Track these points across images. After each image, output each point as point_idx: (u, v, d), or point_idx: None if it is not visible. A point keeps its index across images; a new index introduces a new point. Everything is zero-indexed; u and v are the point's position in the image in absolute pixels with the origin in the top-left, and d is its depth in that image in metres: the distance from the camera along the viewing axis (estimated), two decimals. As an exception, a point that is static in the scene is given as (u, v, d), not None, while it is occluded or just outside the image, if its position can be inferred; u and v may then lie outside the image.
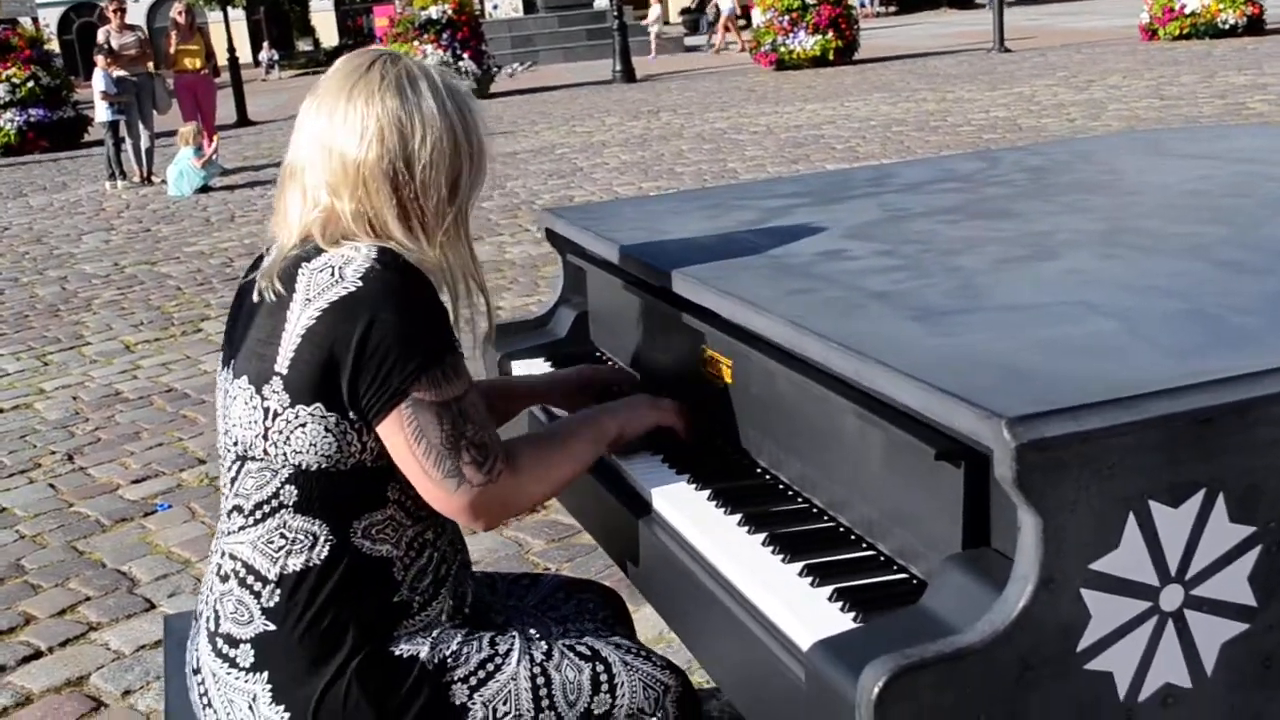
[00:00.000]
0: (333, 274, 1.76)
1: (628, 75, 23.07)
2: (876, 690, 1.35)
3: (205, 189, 13.08)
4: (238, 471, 1.85)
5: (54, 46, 23.61)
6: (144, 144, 14.42)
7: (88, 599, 3.94)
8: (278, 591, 1.81)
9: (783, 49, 22.59)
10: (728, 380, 2.08)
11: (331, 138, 1.81)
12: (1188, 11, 21.72)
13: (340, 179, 1.80)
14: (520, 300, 7.18)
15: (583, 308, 2.80)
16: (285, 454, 1.78)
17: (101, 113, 14.22)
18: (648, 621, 3.10)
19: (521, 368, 2.70)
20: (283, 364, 1.76)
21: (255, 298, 1.85)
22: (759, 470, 2.01)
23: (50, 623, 3.82)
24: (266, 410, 1.78)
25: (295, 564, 1.80)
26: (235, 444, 1.84)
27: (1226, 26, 21.48)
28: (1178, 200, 2.54)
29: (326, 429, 1.75)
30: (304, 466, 1.77)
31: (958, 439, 1.51)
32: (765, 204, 2.75)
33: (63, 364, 6.79)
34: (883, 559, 1.71)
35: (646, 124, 16.04)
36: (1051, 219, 2.41)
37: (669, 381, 2.34)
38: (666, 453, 2.10)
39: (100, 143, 15.30)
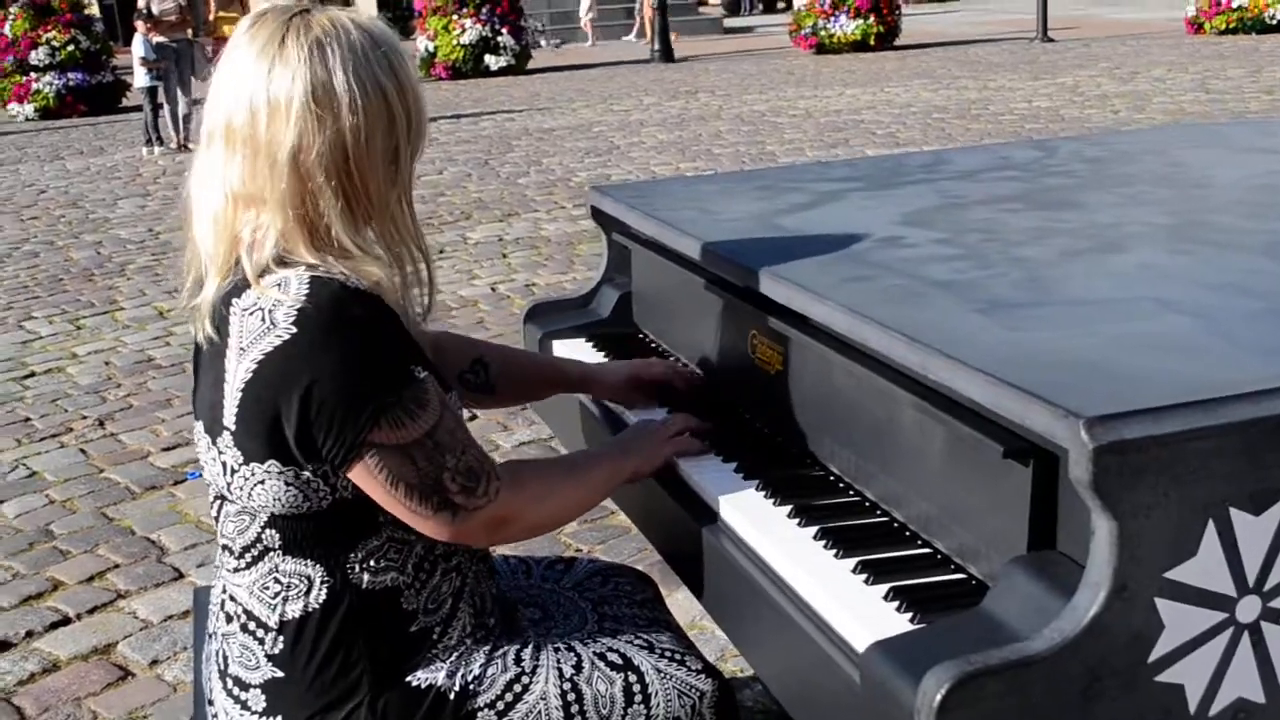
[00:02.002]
0: (263, 319, 1.59)
1: (666, 55, 22.97)
2: (939, 697, 1.30)
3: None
4: (219, 510, 1.74)
5: (94, 10, 23.62)
6: (182, 110, 14.42)
7: (116, 566, 3.92)
8: (280, 639, 1.71)
9: (823, 32, 22.44)
10: (778, 368, 2.02)
11: (253, 135, 1.61)
12: (1235, 5, 21.46)
13: (270, 186, 1.61)
14: (554, 278, 7.13)
15: (627, 288, 2.75)
16: (254, 506, 1.66)
17: (140, 78, 14.22)
18: (680, 606, 3.05)
19: (563, 347, 2.65)
20: (229, 418, 1.63)
21: (202, 340, 1.69)
22: (809, 461, 1.95)
23: (79, 589, 3.79)
24: (224, 465, 1.66)
25: (294, 610, 1.69)
26: (210, 484, 1.73)
27: (1274, 22, 21.21)
28: (1249, 195, 2.46)
29: (286, 483, 1.62)
30: (276, 513, 1.66)
31: (1027, 437, 1.45)
32: (817, 187, 2.69)
33: (95, 329, 6.78)
34: (940, 557, 1.65)
35: (684, 104, 15.95)
36: (1117, 211, 2.34)
37: (715, 367, 2.29)
38: (714, 440, 2.04)
39: (138, 108, 15.31)
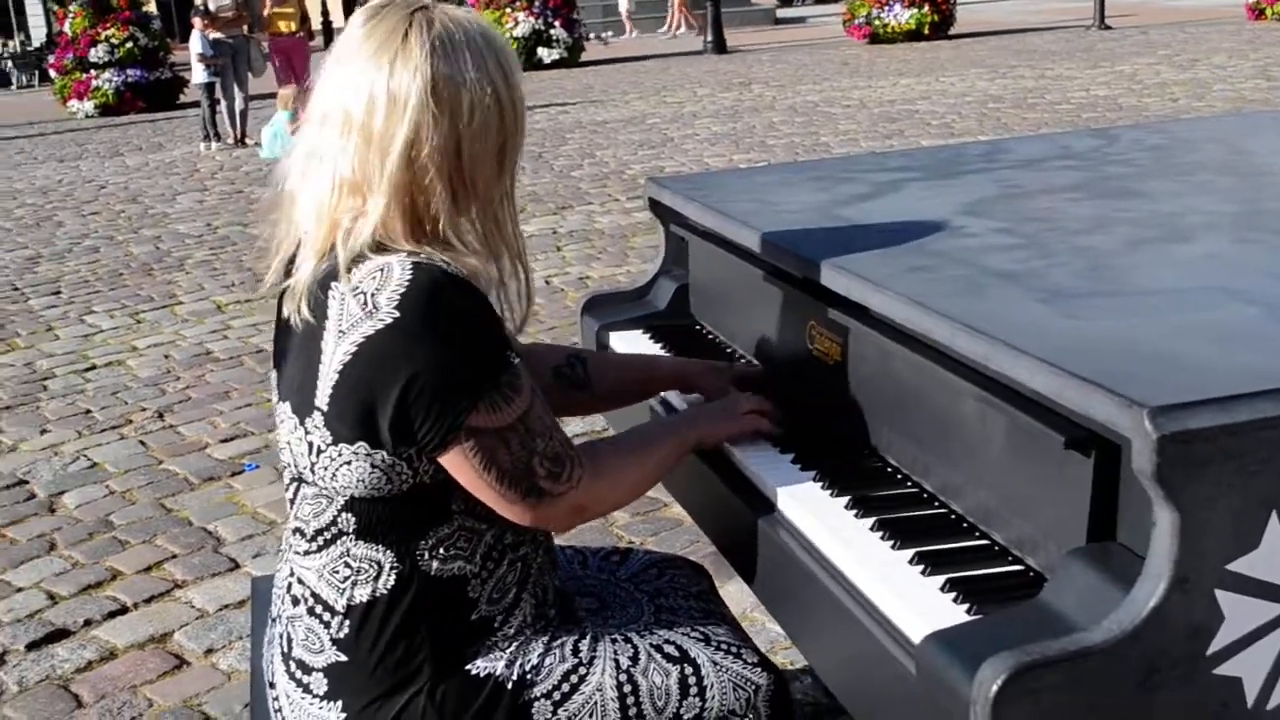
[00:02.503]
0: (364, 303, 1.61)
1: (719, 46, 22.93)
2: (996, 688, 1.29)
3: (298, 151, 13.14)
4: (295, 492, 1.76)
5: (152, 8, 23.86)
6: (238, 106, 14.56)
7: (174, 556, 3.96)
8: (346, 623, 1.72)
9: (877, 22, 22.33)
10: (837, 359, 2.02)
11: (367, 125, 1.63)
12: (1298, -9, 21.18)
13: (379, 177, 1.63)
14: (609, 270, 7.14)
15: (684, 280, 2.75)
16: (335, 487, 1.69)
17: (198, 75, 14.36)
18: (731, 598, 3.05)
19: (619, 339, 2.66)
20: (322, 399, 1.65)
21: (290, 317, 1.71)
22: (867, 453, 1.95)
23: (136, 579, 3.84)
24: (310, 444, 1.68)
25: (362, 595, 1.71)
26: (290, 465, 1.76)
27: (1338, 8, 20.92)
28: (1316, 184, 2.43)
29: (373, 465, 1.65)
30: (358, 495, 1.68)
31: (1089, 427, 1.44)
32: (875, 178, 2.68)
33: (155, 322, 6.85)
34: (997, 549, 1.64)
35: (738, 96, 15.92)
36: (1180, 200, 2.32)
37: (773, 358, 2.29)
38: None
39: (196, 104, 15.47)
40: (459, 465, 1.65)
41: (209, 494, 4.44)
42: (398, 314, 1.60)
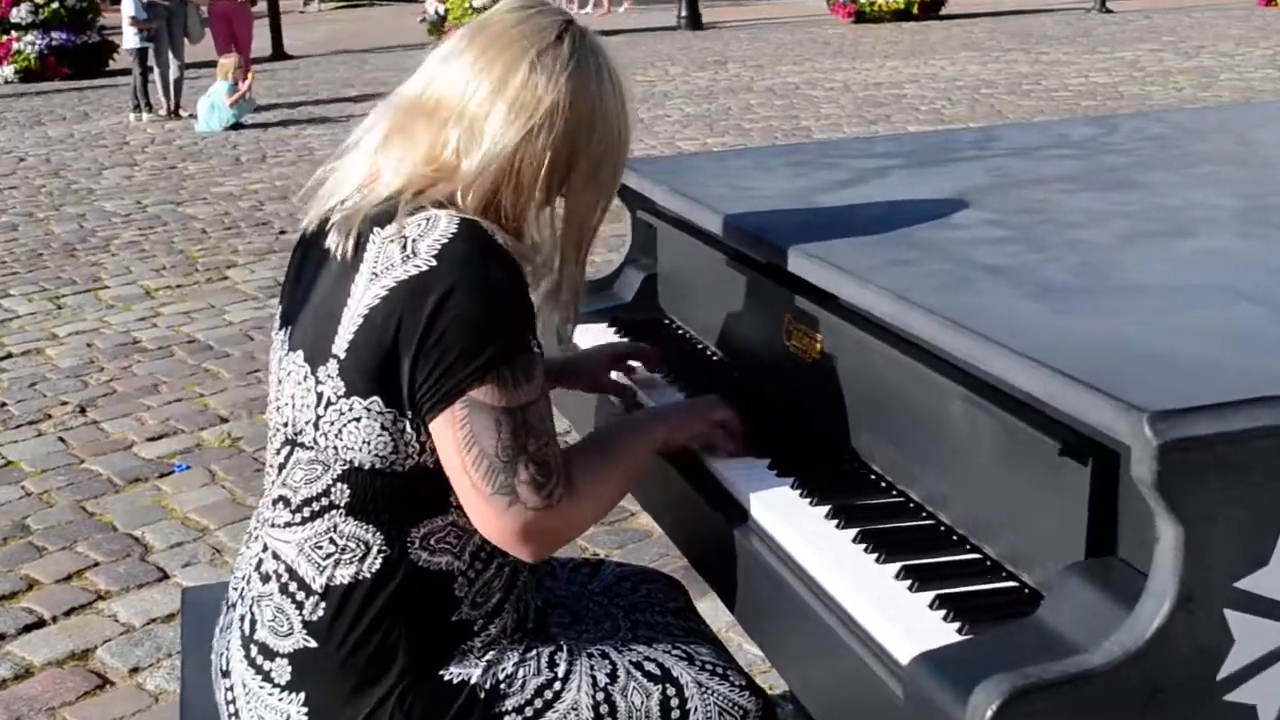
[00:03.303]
0: (404, 248, 1.67)
1: (694, 22, 22.96)
2: (990, 713, 1.29)
3: (236, 126, 13.11)
4: (287, 457, 1.77)
5: (79, -33, 23.69)
6: (173, 74, 14.46)
7: (96, 565, 3.94)
8: (323, 604, 1.73)
9: (863, 0, 22.40)
10: (815, 356, 2.03)
11: (494, 103, 1.71)
12: (1311, -25, 21.38)
13: (485, 151, 1.70)
14: (572, 260, 7.13)
15: (652, 269, 2.76)
16: (336, 448, 1.70)
17: (129, 39, 14.26)
18: (705, 616, 3.05)
19: (582, 334, 2.65)
20: (340, 346, 1.68)
21: (324, 253, 1.75)
22: (849, 458, 1.95)
23: (55, 589, 3.81)
24: (319, 396, 1.70)
25: (344, 575, 1.72)
26: (286, 424, 1.76)
27: (1353, -7, 21.12)
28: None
29: (383, 426, 1.67)
30: (357, 464, 1.69)
31: (1085, 433, 1.44)
32: (859, 164, 2.69)
33: (77, 308, 6.81)
34: (989, 564, 1.65)
35: (713, 75, 15.95)
36: (1182, 192, 2.33)
37: (746, 355, 2.29)
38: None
39: (126, 71, 15.37)
40: (444, 433, 1.66)
41: (135, 497, 4.42)
42: (435, 262, 1.65)
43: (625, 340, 2.48)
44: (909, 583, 1.60)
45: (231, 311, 6.56)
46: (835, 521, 1.77)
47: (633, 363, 2.36)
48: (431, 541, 1.73)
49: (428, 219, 1.68)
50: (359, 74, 17.86)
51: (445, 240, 1.66)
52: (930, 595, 1.57)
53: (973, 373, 1.62)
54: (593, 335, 2.63)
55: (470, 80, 1.73)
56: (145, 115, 14.14)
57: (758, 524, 1.85)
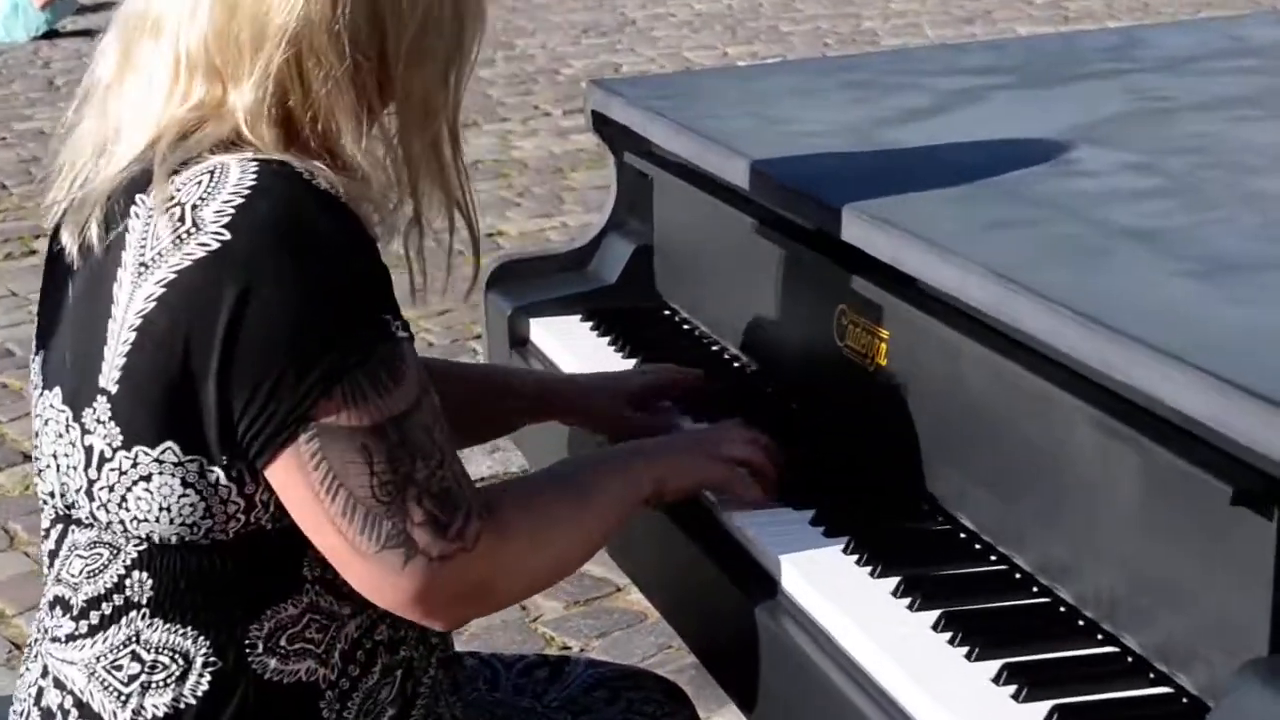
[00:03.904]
0: (181, 217, 1.61)
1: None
2: None
3: (50, 34, 13.10)
4: (59, 541, 1.74)
5: None
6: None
7: None
8: None
9: None
10: (880, 362, 2.04)
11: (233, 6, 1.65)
12: None
13: (246, 63, 1.65)
14: (533, 223, 7.15)
15: (647, 238, 2.76)
16: (123, 522, 1.66)
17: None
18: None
19: (546, 330, 2.68)
20: (109, 377, 1.63)
21: (65, 259, 1.71)
22: (926, 509, 1.96)
23: None
24: (89, 451, 1.66)
25: (157, 705, 1.67)
26: (52, 495, 1.73)
27: None
28: None
29: (185, 483, 1.62)
30: (158, 540, 1.65)
31: (1269, 472, 1.45)
32: (942, 84, 2.70)
33: None
34: (1130, 660, 1.66)
35: (737, -46, 15.96)
36: None
37: (782, 361, 2.31)
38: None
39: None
40: (290, 480, 1.62)
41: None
42: (227, 235, 1.59)
43: (661, 366, 2.36)
44: (1015, 689, 1.61)
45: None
46: (908, 601, 1.78)
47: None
48: (282, 641, 1.68)
49: (210, 172, 1.63)
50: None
51: (241, 199, 1.60)
52: (1046, 708, 1.57)
53: (1108, 386, 1.63)
54: (561, 332, 2.64)
55: None
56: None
57: (795, 603, 1.85)
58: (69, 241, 1.68)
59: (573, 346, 2.60)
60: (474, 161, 8.17)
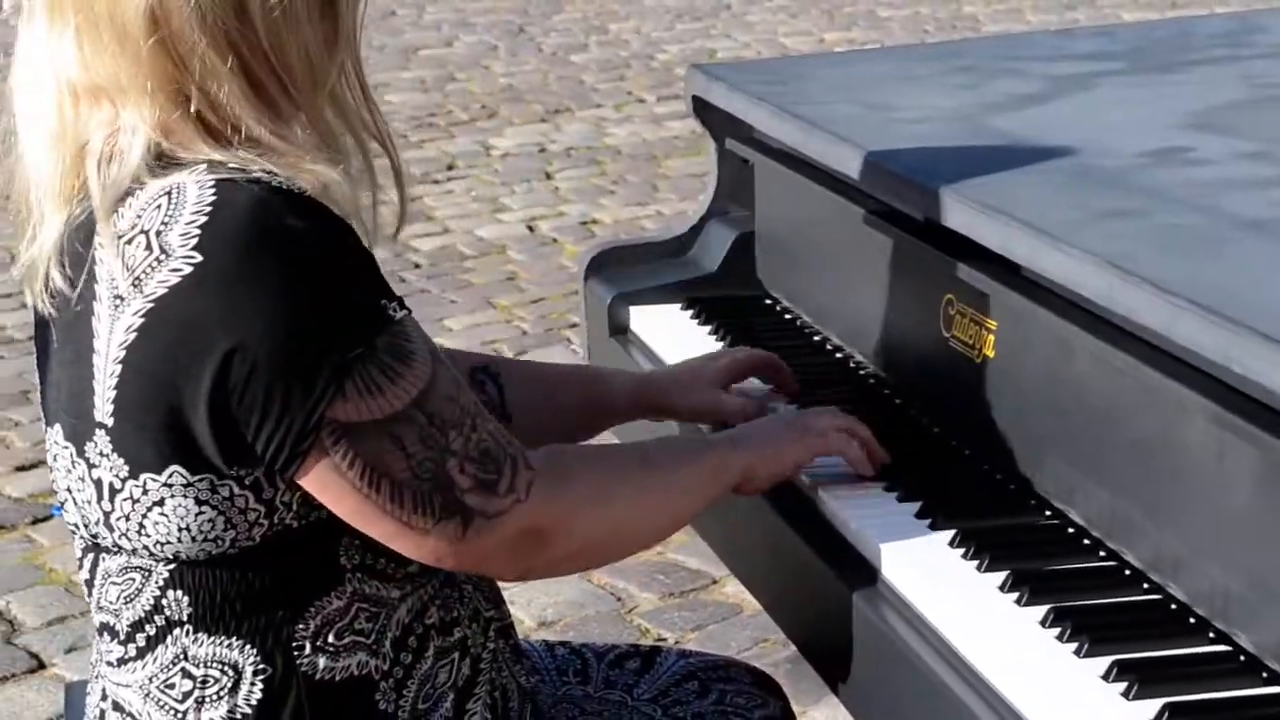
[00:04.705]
0: (148, 245, 1.59)
1: None
2: None
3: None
4: (92, 569, 1.75)
5: None
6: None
7: (-58, 649, 3.98)
8: None
9: None
10: (988, 354, 2.03)
11: (87, 9, 1.63)
12: None
13: (125, 69, 1.62)
14: (627, 211, 7.14)
15: (747, 227, 2.76)
16: (147, 546, 1.66)
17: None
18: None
19: (646, 319, 2.68)
20: (104, 410, 1.63)
21: (47, 306, 1.71)
22: (1034, 503, 1.96)
23: (-116, 682, 3.85)
24: (99, 484, 1.66)
25: (214, 718, 1.70)
26: (77, 526, 1.74)
27: None
28: None
29: (199, 501, 1.62)
30: (186, 559, 1.66)
31: None
32: (1051, 69, 2.68)
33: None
34: (1245, 659, 1.65)
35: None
36: None
37: (887, 352, 2.30)
38: (884, 465, 2.05)
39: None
40: (328, 484, 1.63)
41: (-4, 551, 4.46)
42: (198, 256, 1.58)
43: (744, 349, 2.36)
44: (1124, 685, 1.60)
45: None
46: (1015, 595, 1.77)
47: (749, 383, 2.30)
48: (330, 638, 1.69)
49: (168, 193, 1.61)
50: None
51: (204, 217, 1.59)
52: (1158, 706, 1.57)
53: (1225, 379, 1.62)
54: (661, 321, 2.65)
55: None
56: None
57: (899, 595, 1.86)
58: (34, 299, 1.70)
59: (673, 335, 2.60)
60: (567, 148, 8.21)
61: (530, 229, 6.98)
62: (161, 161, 1.63)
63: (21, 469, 4.96)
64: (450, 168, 7.92)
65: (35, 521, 4.62)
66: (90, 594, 1.76)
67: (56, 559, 4.38)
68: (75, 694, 2.35)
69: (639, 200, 7.32)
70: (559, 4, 12.64)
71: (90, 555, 1.74)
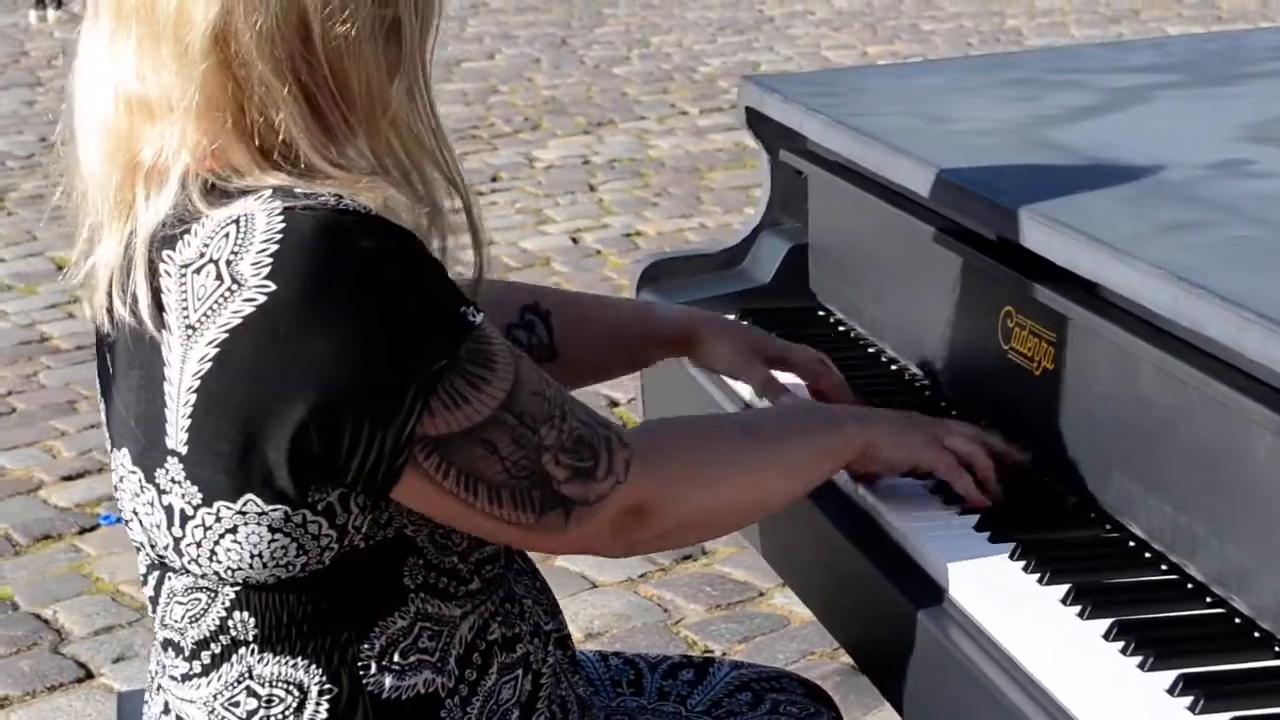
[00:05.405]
0: (218, 275, 1.60)
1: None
2: None
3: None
4: (157, 587, 1.76)
5: None
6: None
7: (-10, 658, 3.99)
8: None
9: None
10: (1048, 366, 2.03)
11: (148, 6, 1.63)
12: None
13: (179, 86, 1.62)
14: (671, 223, 7.14)
15: (800, 238, 2.76)
16: (217, 572, 1.67)
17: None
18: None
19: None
20: (177, 439, 1.64)
21: (107, 325, 1.73)
22: (1095, 517, 1.95)
23: (-68, 692, 3.86)
24: (169, 510, 1.67)
25: None
26: (142, 545, 1.75)
27: None
28: None
29: (273, 529, 1.63)
30: (254, 583, 1.67)
31: None
32: (1107, 81, 2.68)
33: (-40, 290, 6.89)
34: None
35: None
36: None
37: (944, 365, 2.30)
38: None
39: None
40: (422, 490, 1.64)
41: (44, 561, 4.46)
42: (272, 285, 1.58)
43: (805, 348, 2.32)
44: (1191, 699, 1.59)
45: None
46: (1078, 608, 1.77)
47: (787, 377, 2.29)
48: (395, 657, 1.70)
49: (236, 221, 1.61)
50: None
51: (275, 245, 1.59)
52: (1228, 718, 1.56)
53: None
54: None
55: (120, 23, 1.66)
56: (51, 12, 14.32)
57: (960, 609, 1.85)
58: (93, 313, 1.71)
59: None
60: (610, 160, 8.22)
61: (574, 241, 6.99)
62: (215, 189, 1.63)
63: (68, 479, 4.98)
64: (494, 180, 7.94)
65: (82, 531, 4.63)
66: (154, 611, 1.77)
67: (103, 568, 4.39)
68: (129, 704, 2.36)
69: (683, 212, 7.33)
70: (601, 17, 12.67)
71: (155, 573, 1.75)
